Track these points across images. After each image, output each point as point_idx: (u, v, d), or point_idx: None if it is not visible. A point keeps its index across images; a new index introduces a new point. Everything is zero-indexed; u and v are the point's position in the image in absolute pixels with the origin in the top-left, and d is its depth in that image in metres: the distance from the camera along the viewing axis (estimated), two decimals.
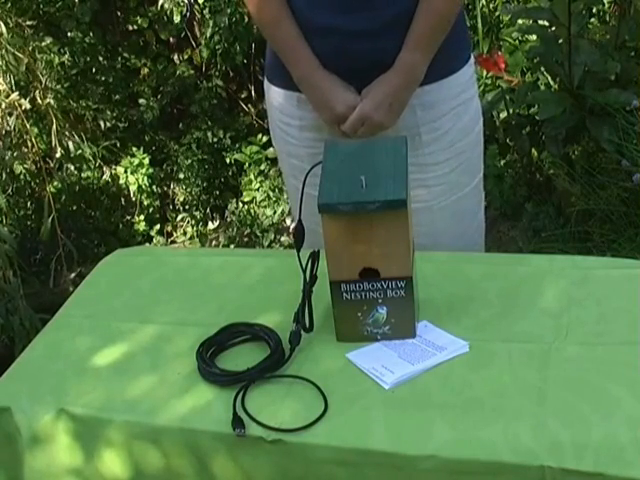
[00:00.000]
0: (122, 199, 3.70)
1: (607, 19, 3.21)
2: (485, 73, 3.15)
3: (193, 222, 3.68)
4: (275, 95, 1.74)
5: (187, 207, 3.73)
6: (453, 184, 1.70)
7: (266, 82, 1.77)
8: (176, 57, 3.77)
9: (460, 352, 1.23)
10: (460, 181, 1.71)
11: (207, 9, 3.56)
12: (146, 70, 3.70)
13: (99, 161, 3.53)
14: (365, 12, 1.54)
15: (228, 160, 3.67)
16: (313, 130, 1.68)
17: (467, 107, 1.69)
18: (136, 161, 3.58)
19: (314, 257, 1.31)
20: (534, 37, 3.07)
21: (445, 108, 1.65)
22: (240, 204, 3.62)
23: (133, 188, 3.60)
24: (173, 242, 3.67)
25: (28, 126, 3.09)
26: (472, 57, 1.71)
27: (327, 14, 1.56)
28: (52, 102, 3.17)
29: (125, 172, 3.60)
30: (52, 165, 3.37)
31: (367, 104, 1.56)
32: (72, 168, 3.41)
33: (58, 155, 3.23)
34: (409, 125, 1.62)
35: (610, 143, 2.53)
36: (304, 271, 1.29)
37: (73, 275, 3.30)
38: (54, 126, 3.14)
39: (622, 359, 1.18)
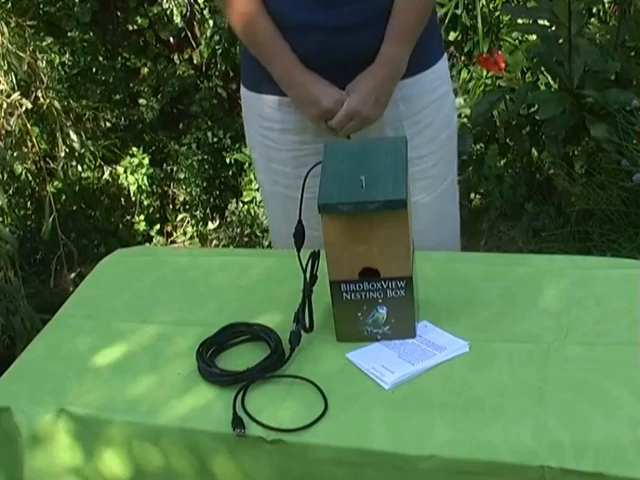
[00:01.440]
0: (122, 199, 3.70)
1: (607, 19, 3.21)
2: (485, 73, 3.15)
3: (193, 222, 3.69)
4: (253, 101, 1.73)
5: (187, 207, 3.73)
6: (435, 178, 1.73)
7: (243, 89, 1.76)
8: (176, 57, 3.77)
9: (460, 352, 1.23)
10: (441, 175, 1.75)
11: (207, 9, 3.56)
12: (146, 70, 3.70)
13: (99, 161, 3.54)
14: (349, 6, 1.54)
15: (228, 160, 3.67)
16: (296, 133, 1.68)
17: (445, 101, 1.72)
18: (136, 161, 3.59)
19: (314, 257, 1.31)
20: (534, 37, 3.07)
21: (425, 101, 1.67)
22: (240, 204, 3.62)
23: (133, 188, 3.60)
24: (173, 242, 3.68)
25: (29, 126, 3.09)
26: (445, 53, 1.76)
27: (309, 10, 1.55)
28: (54, 102, 3.17)
29: (125, 172, 3.61)
30: (53, 165, 3.38)
31: (354, 99, 1.56)
32: (76, 166, 3.41)
33: (62, 154, 3.23)
34: (392, 119, 1.64)
35: (610, 143, 2.53)
36: (304, 271, 1.29)
37: (73, 275, 3.30)
38: (57, 125, 3.15)
39: (622, 359, 1.18)
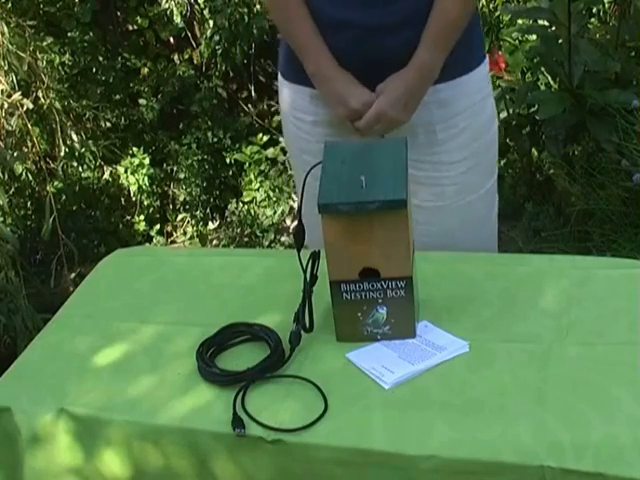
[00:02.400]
0: (122, 199, 3.70)
1: (607, 19, 3.21)
2: None
3: (193, 222, 3.68)
4: (288, 90, 1.73)
5: (187, 207, 3.73)
6: (467, 184, 1.69)
7: (280, 78, 1.77)
8: (176, 57, 3.77)
9: (460, 352, 1.23)
10: (474, 182, 1.71)
11: (207, 9, 3.56)
12: (146, 70, 3.70)
13: (99, 161, 3.54)
14: (386, 6, 1.53)
15: (228, 160, 3.67)
16: (326, 126, 1.67)
17: (483, 106, 1.69)
18: (136, 161, 3.59)
19: (314, 257, 1.31)
20: (534, 37, 3.07)
21: (461, 106, 1.64)
22: (240, 204, 3.62)
23: (133, 188, 3.60)
24: (173, 242, 3.67)
25: (30, 126, 3.09)
26: (486, 57, 1.71)
27: (346, 8, 1.55)
28: (55, 102, 3.17)
29: (125, 172, 3.60)
30: (53, 165, 3.38)
31: (383, 101, 1.55)
32: (76, 166, 3.41)
33: (62, 154, 3.23)
34: (424, 122, 1.62)
35: (610, 143, 2.53)
36: (304, 271, 1.29)
37: (73, 275, 3.30)
38: (58, 125, 3.15)
39: (622, 359, 1.18)
